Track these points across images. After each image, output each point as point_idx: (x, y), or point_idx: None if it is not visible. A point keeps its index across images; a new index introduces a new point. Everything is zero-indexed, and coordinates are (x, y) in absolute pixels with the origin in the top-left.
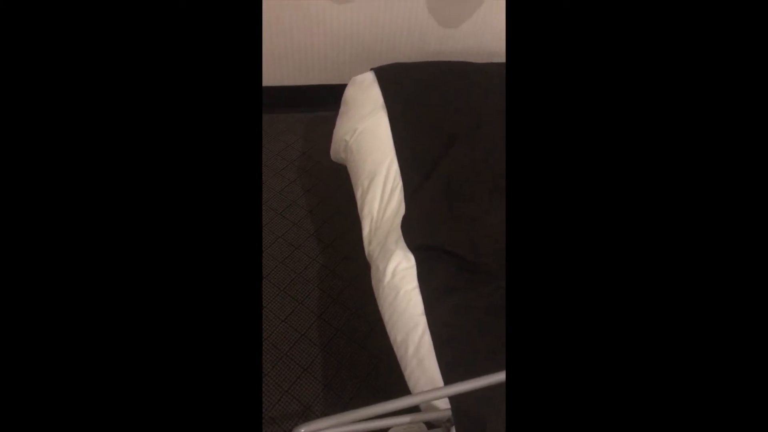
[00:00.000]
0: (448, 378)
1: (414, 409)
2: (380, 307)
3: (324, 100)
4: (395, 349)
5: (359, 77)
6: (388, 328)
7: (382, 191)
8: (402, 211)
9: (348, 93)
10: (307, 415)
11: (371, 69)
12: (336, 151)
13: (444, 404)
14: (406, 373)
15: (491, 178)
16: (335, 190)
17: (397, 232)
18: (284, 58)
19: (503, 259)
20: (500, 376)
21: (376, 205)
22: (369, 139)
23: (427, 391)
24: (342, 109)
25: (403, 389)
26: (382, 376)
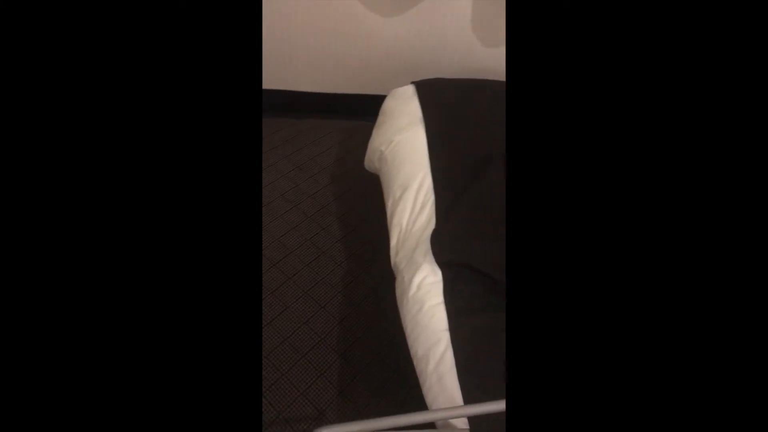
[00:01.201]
0: (468, 397)
1: (429, 425)
2: (402, 319)
3: (363, 110)
4: (415, 362)
5: (400, 90)
6: (410, 341)
7: (413, 203)
8: (431, 225)
9: (387, 104)
10: (320, 420)
11: (412, 82)
12: (370, 160)
13: (462, 423)
14: (425, 389)
15: None
16: (366, 200)
17: (425, 245)
18: (327, 65)
19: None
20: None
21: (405, 217)
22: (404, 151)
23: (447, 408)
24: (380, 119)
25: (418, 404)
26: (396, 388)
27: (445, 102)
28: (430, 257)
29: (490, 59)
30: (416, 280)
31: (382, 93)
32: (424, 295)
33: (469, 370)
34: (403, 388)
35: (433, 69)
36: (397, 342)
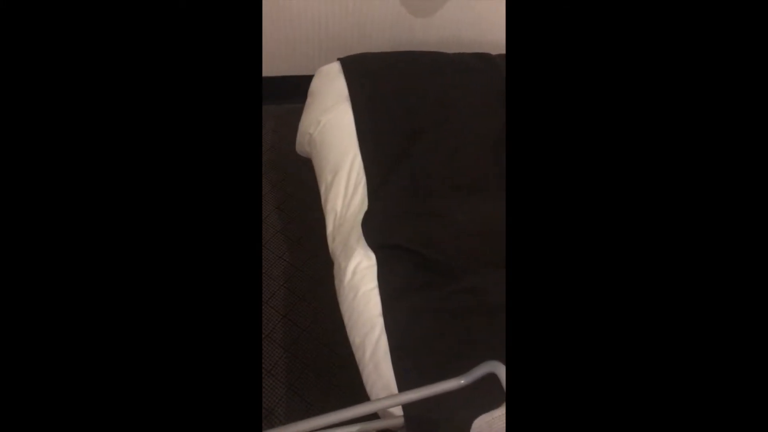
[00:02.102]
0: (402, 383)
1: (374, 415)
2: (341, 308)
3: (293, 92)
4: (354, 351)
5: (325, 68)
6: (348, 329)
7: (345, 187)
8: (365, 207)
9: (314, 84)
10: (269, 419)
11: (338, 59)
12: (301, 144)
13: (399, 410)
14: (364, 377)
15: (456, 174)
16: (303, 186)
17: (360, 230)
18: None
19: (465, 258)
20: (452, 384)
21: (339, 201)
22: (332, 133)
23: (380, 399)
24: (308, 100)
25: (367, 395)
26: (347, 380)
27: (372, 77)
28: (364, 241)
29: (419, 30)
30: (351, 266)
31: (312, 73)
32: (359, 281)
33: (403, 354)
34: (354, 378)
35: (363, 45)
36: (343, 333)
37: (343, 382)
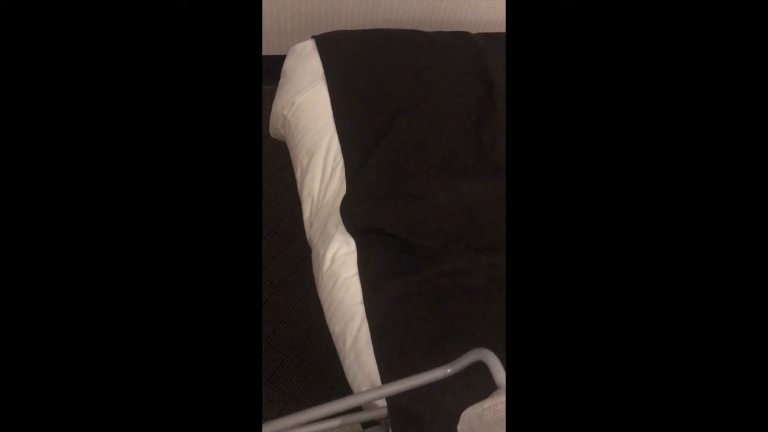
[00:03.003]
0: (385, 374)
1: (356, 407)
2: (320, 296)
3: (265, 73)
4: (334, 341)
5: (299, 46)
6: (328, 318)
7: (322, 170)
8: (343, 191)
9: (287, 64)
10: None
11: (312, 37)
12: (274, 127)
13: (382, 401)
14: (345, 367)
15: (436, 154)
16: (279, 170)
17: (338, 215)
18: None
19: (447, 241)
20: (438, 373)
21: (316, 186)
22: (308, 114)
23: (363, 393)
24: (281, 81)
25: (347, 385)
26: (329, 367)
27: (348, 55)
28: (343, 227)
29: (397, 8)
30: (330, 253)
31: (285, 53)
32: (339, 269)
33: (385, 343)
34: (333, 368)
35: (338, 22)
36: (321, 322)
37: (324, 372)
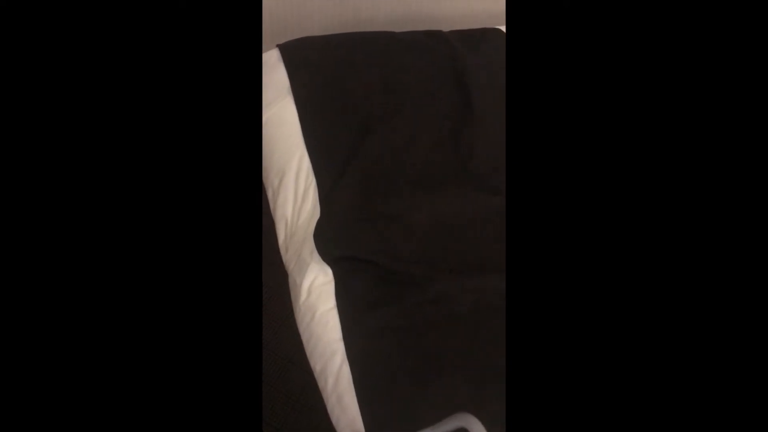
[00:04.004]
0: (368, 422)
1: None
2: (299, 329)
3: None
4: (316, 379)
5: (263, 56)
6: (308, 354)
7: (294, 192)
8: (317, 214)
9: None
10: None
11: (277, 45)
12: None
13: None
14: (328, 408)
15: (412, 168)
16: None
17: (313, 242)
18: None
19: (427, 265)
20: None
21: (289, 208)
22: (276, 131)
23: None
24: None
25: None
26: (315, 394)
27: (316, 64)
28: (318, 255)
29: (365, 7)
30: (306, 284)
31: None
32: (316, 301)
33: (367, 385)
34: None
35: (305, 26)
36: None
37: (310, 399)
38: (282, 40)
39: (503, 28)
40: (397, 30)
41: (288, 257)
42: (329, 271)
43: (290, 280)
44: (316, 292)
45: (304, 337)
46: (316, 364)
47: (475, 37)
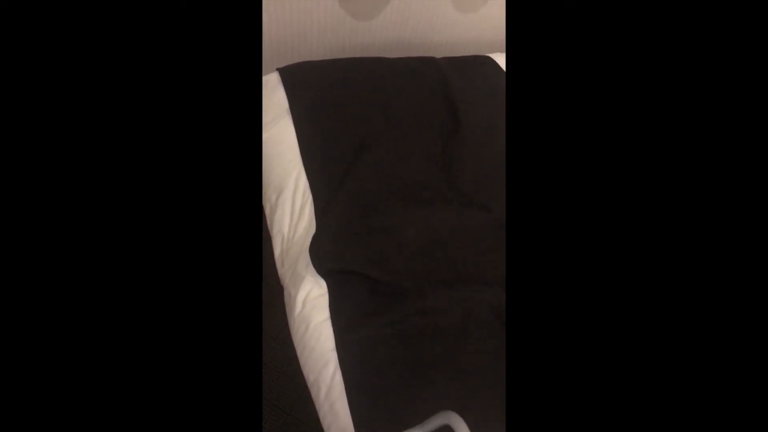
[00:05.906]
0: (358, 421)
1: None
2: (293, 340)
3: None
4: (309, 388)
5: (263, 79)
6: (302, 364)
7: (291, 208)
8: (313, 229)
9: None
10: None
11: (277, 69)
12: None
13: None
14: (321, 416)
15: (404, 186)
16: None
17: (308, 256)
18: None
19: (417, 277)
20: None
21: (286, 223)
22: (274, 149)
23: None
24: None
25: None
26: (307, 406)
27: (314, 87)
28: (313, 268)
29: (362, 34)
30: (301, 296)
31: None
32: (310, 313)
33: (358, 393)
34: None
35: (303, 51)
36: (292, 368)
37: (302, 411)
38: (282, 64)
39: (494, 56)
40: (392, 56)
41: (284, 271)
42: (323, 284)
43: (285, 293)
44: (310, 304)
45: (298, 349)
46: (310, 374)
47: (467, 64)
